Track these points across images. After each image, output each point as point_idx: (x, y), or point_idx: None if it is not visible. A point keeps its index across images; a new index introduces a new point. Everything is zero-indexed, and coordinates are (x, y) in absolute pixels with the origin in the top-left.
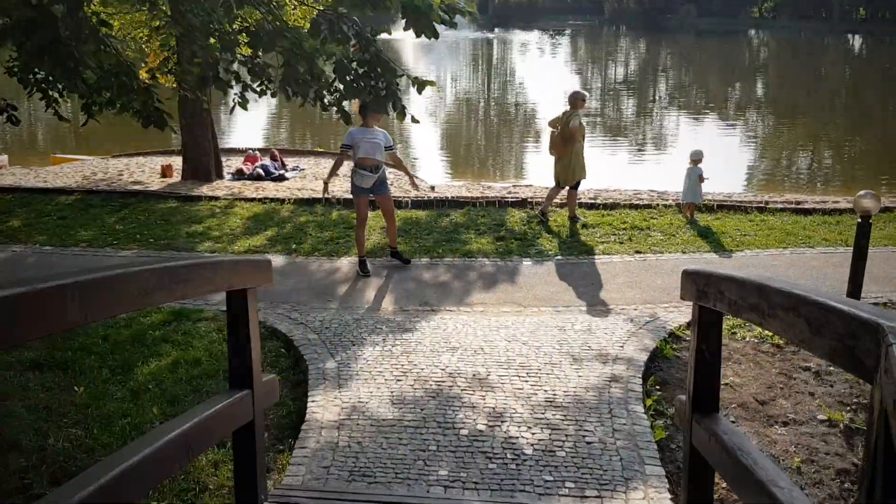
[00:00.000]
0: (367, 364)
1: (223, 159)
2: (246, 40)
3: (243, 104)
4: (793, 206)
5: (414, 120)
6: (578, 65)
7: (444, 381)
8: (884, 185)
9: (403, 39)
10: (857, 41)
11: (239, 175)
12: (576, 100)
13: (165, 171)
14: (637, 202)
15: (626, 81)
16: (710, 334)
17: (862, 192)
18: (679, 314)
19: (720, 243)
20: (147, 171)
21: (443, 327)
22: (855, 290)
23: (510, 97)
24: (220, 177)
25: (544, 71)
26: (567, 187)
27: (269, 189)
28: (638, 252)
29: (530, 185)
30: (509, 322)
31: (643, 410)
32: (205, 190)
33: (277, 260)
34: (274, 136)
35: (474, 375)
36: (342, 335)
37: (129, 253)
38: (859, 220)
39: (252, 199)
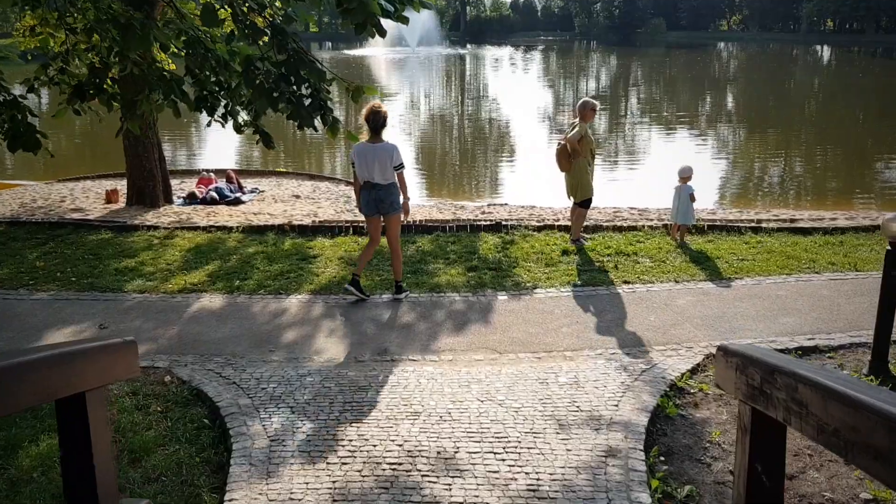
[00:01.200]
0: (306, 440)
1: (176, 182)
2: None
3: (235, 124)
4: (788, 224)
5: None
6: (550, 79)
7: (400, 464)
8: (864, 199)
9: (375, 56)
10: (825, 52)
11: (191, 199)
12: (583, 110)
13: (110, 197)
14: (620, 223)
15: (598, 96)
16: (769, 450)
17: (891, 216)
18: (679, 359)
19: (716, 270)
20: (92, 196)
21: (403, 383)
22: (882, 348)
23: (483, 113)
24: (169, 202)
25: (517, 86)
26: (574, 204)
27: (222, 214)
28: (626, 282)
29: (505, 205)
30: (482, 375)
31: (649, 497)
32: (149, 217)
33: (216, 301)
34: (246, 156)
35: (439, 453)
36: (281, 398)
37: (46, 295)
38: (888, 248)
39: (196, 228)
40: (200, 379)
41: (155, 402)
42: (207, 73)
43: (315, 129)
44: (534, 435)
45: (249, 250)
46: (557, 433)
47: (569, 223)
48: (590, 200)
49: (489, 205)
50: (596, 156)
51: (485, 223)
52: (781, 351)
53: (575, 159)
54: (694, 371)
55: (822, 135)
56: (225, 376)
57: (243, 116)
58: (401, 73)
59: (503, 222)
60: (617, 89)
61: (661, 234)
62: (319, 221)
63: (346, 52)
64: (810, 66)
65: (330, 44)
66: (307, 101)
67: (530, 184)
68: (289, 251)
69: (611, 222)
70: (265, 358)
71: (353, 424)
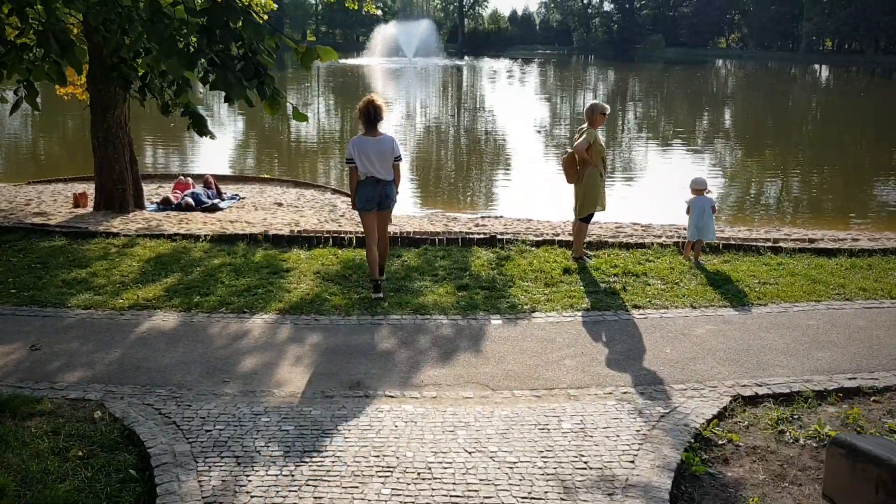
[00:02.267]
0: None
1: (154, 186)
2: None
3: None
4: (807, 245)
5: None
6: (547, 93)
7: None
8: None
9: (371, 66)
10: (824, 71)
11: (165, 205)
12: (592, 114)
13: (78, 200)
14: (626, 239)
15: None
16: None
17: None
18: (702, 402)
19: (737, 294)
20: (60, 200)
21: (377, 426)
22: None
23: (479, 124)
24: (141, 207)
25: (514, 98)
26: (576, 218)
27: (196, 221)
28: (636, 307)
29: (500, 217)
30: (471, 417)
31: None
32: (115, 224)
33: (169, 319)
34: (237, 162)
35: None
36: (227, 444)
37: None
38: None
39: (160, 236)
40: (136, 416)
41: (77, 445)
42: (115, 29)
43: (249, 102)
44: (533, 502)
45: (215, 262)
46: (562, 500)
47: (570, 238)
48: (591, 215)
49: (483, 217)
50: (607, 165)
51: (478, 236)
52: (819, 393)
53: (584, 169)
54: (721, 417)
55: (824, 154)
56: (165, 413)
57: (170, 93)
58: (397, 82)
59: (498, 236)
60: (614, 104)
61: (672, 253)
62: (298, 231)
63: (343, 61)
64: (808, 84)
65: None
66: (238, 65)
67: (527, 197)
68: (259, 264)
69: (615, 238)
70: (217, 390)
71: (310, 483)
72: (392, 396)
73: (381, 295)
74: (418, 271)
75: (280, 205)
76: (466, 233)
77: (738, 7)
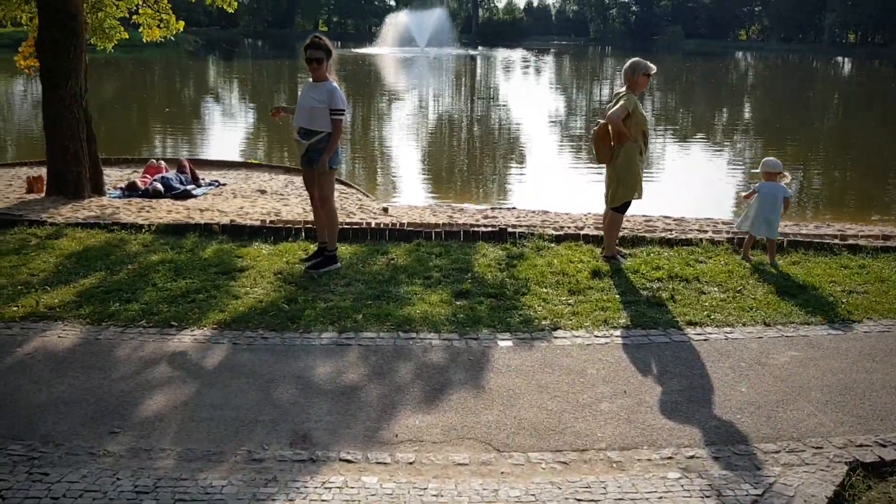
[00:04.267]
0: None
1: (126, 171)
2: None
3: None
4: (881, 242)
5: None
6: (562, 83)
7: None
8: None
9: (383, 55)
10: (846, 64)
11: (130, 191)
12: (633, 74)
13: (32, 185)
14: (665, 234)
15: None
16: None
17: None
18: (808, 473)
19: (820, 306)
20: (17, 184)
21: None
22: None
23: (492, 114)
24: (99, 192)
25: (528, 89)
26: (608, 207)
27: (159, 210)
28: (691, 323)
29: (513, 209)
30: (465, 500)
31: None
32: (62, 211)
33: (69, 335)
34: (232, 146)
35: None
36: None
37: None
38: None
39: (94, 226)
40: None
41: None
42: None
43: None
44: None
45: (153, 258)
46: None
47: (599, 232)
48: (628, 204)
49: (494, 209)
50: (649, 140)
51: (485, 229)
52: None
53: (619, 144)
54: (838, 500)
55: (866, 146)
56: (5, 486)
57: None
58: (408, 72)
59: (509, 229)
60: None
61: (727, 251)
62: (270, 221)
63: (355, 50)
64: (831, 77)
65: (339, 42)
66: None
67: (542, 189)
68: (208, 261)
69: (651, 233)
70: (97, 446)
71: None
72: (349, 461)
73: (312, 269)
74: (406, 272)
75: (263, 192)
76: (471, 225)
77: None
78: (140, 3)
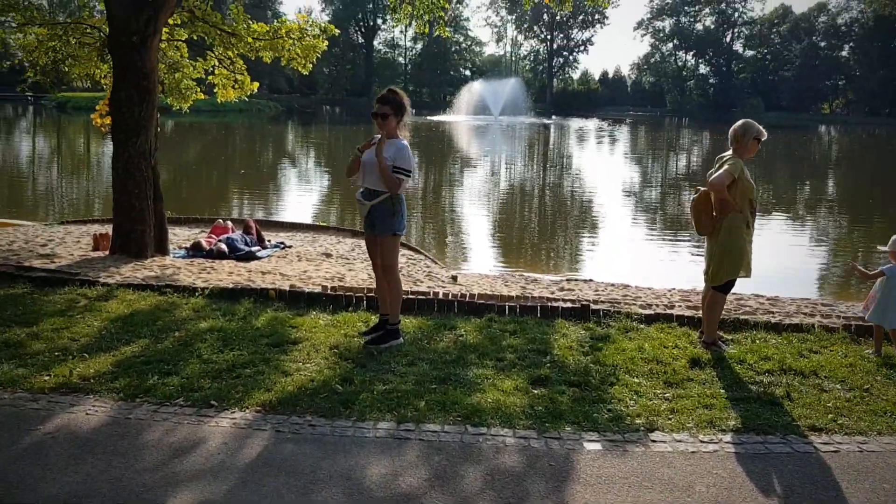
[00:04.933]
0: None
1: (194, 231)
2: None
3: None
4: None
5: None
6: (638, 153)
7: None
8: None
9: (457, 123)
10: None
11: (195, 251)
12: (743, 137)
13: (99, 242)
14: (764, 317)
15: (690, 172)
16: None
17: None
18: None
19: None
20: (84, 242)
21: None
22: None
23: (565, 182)
24: (163, 252)
25: (602, 157)
26: (708, 286)
27: (220, 271)
28: (815, 429)
29: (590, 281)
30: None
31: None
32: (123, 271)
33: (98, 412)
34: (320, 212)
35: None
36: None
37: None
38: None
39: (146, 288)
40: None
41: None
42: None
43: None
44: None
45: (202, 325)
46: None
47: (693, 312)
48: (732, 283)
49: (569, 280)
50: (756, 211)
51: (564, 305)
52: None
53: (723, 215)
54: None
55: None
56: None
57: None
58: (482, 140)
59: (592, 305)
60: (710, 167)
61: (844, 339)
62: (331, 288)
63: (429, 117)
64: None
65: (414, 110)
66: None
67: (617, 262)
68: (260, 330)
69: (751, 315)
70: None
71: None
72: None
73: (371, 344)
74: (477, 352)
75: (329, 256)
76: (548, 299)
77: (843, 71)
78: (216, 63)
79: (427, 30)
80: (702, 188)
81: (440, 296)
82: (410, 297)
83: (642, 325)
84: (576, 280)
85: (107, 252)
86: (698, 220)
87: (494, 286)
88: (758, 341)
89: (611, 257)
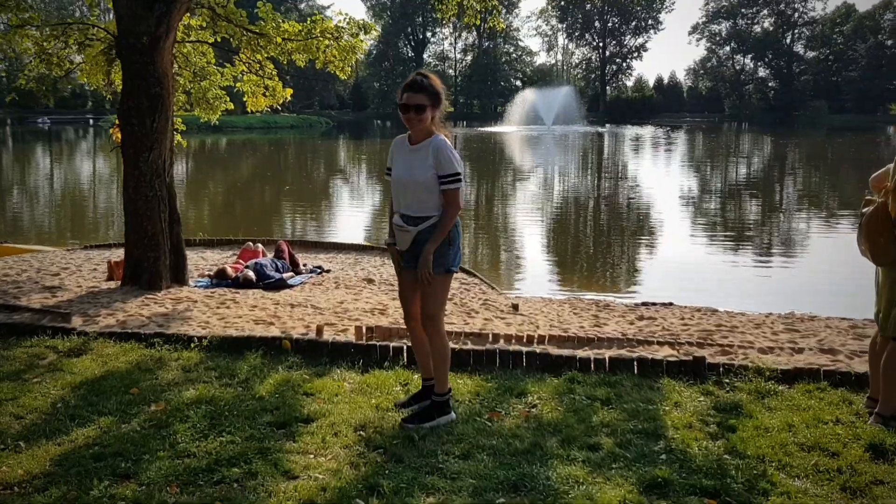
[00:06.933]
0: None
1: (223, 255)
2: None
3: None
4: None
5: None
6: (696, 161)
7: None
8: None
9: (509, 133)
10: None
11: (219, 279)
12: None
13: (113, 271)
14: None
15: (750, 182)
16: None
17: None
18: None
19: None
20: (102, 269)
21: None
22: None
23: (621, 192)
24: (181, 282)
25: (659, 166)
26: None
27: (243, 304)
28: None
29: (670, 304)
30: None
31: None
32: (129, 306)
33: None
34: (366, 231)
35: None
36: None
37: None
38: None
39: (132, 338)
40: None
41: None
42: None
43: None
44: None
45: (188, 394)
46: None
47: (847, 365)
48: None
49: (646, 304)
50: None
51: (670, 359)
52: None
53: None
54: None
55: None
56: None
57: None
58: (534, 149)
59: (708, 358)
60: (771, 174)
61: None
62: (366, 331)
63: (480, 129)
64: None
65: (464, 122)
66: None
67: (682, 276)
68: (263, 402)
69: None
70: None
71: None
72: None
73: (410, 424)
74: (559, 434)
75: (370, 281)
76: (638, 341)
77: None
78: (245, 69)
79: (478, 21)
80: (877, 198)
81: (500, 339)
82: (464, 346)
83: (781, 387)
84: (653, 304)
85: (120, 281)
86: (875, 243)
87: (562, 315)
88: None
89: (675, 272)
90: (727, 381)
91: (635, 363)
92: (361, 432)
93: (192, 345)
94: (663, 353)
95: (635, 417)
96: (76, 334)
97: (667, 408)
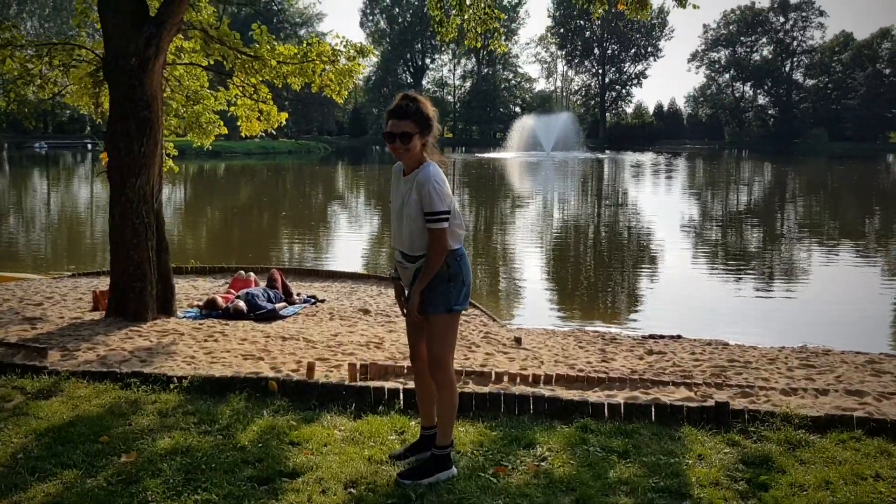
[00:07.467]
0: None
1: (215, 284)
2: None
3: None
4: None
5: None
6: (697, 188)
7: None
8: None
9: (508, 159)
10: None
11: (208, 309)
12: None
13: (98, 301)
14: None
15: (751, 209)
16: None
17: None
18: None
19: None
20: (87, 298)
21: None
22: None
23: (622, 220)
24: (168, 313)
25: (659, 193)
26: None
27: (232, 338)
28: None
29: (678, 337)
30: None
31: None
32: (112, 339)
33: None
34: (363, 259)
35: None
36: None
37: None
38: None
39: (107, 378)
40: None
41: None
42: None
43: None
44: None
45: (163, 443)
46: None
47: (876, 410)
48: None
49: (652, 337)
50: None
51: (689, 405)
52: None
53: None
54: None
55: None
56: None
57: None
58: (534, 176)
59: (729, 404)
60: (772, 201)
61: None
62: (359, 368)
63: (479, 154)
64: None
65: (463, 148)
66: None
67: (686, 308)
68: (245, 452)
69: None
70: None
71: None
72: None
73: (407, 480)
74: (573, 493)
75: (367, 312)
76: (654, 381)
77: None
78: (238, 93)
79: (479, 43)
80: None
81: (504, 377)
82: (465, 388)
83: (813, 436)
84: (661, 337)
85: (104, 311)
86: None
87: (567, 350)
88: None
89: (679, 302)
90: (753, 429)
91: (653, 409)
92: (352, 489)
93: (172, 386)
94: (680, 395)
95: (656, 473)
96: (47, 373)
97: (690, 461)
